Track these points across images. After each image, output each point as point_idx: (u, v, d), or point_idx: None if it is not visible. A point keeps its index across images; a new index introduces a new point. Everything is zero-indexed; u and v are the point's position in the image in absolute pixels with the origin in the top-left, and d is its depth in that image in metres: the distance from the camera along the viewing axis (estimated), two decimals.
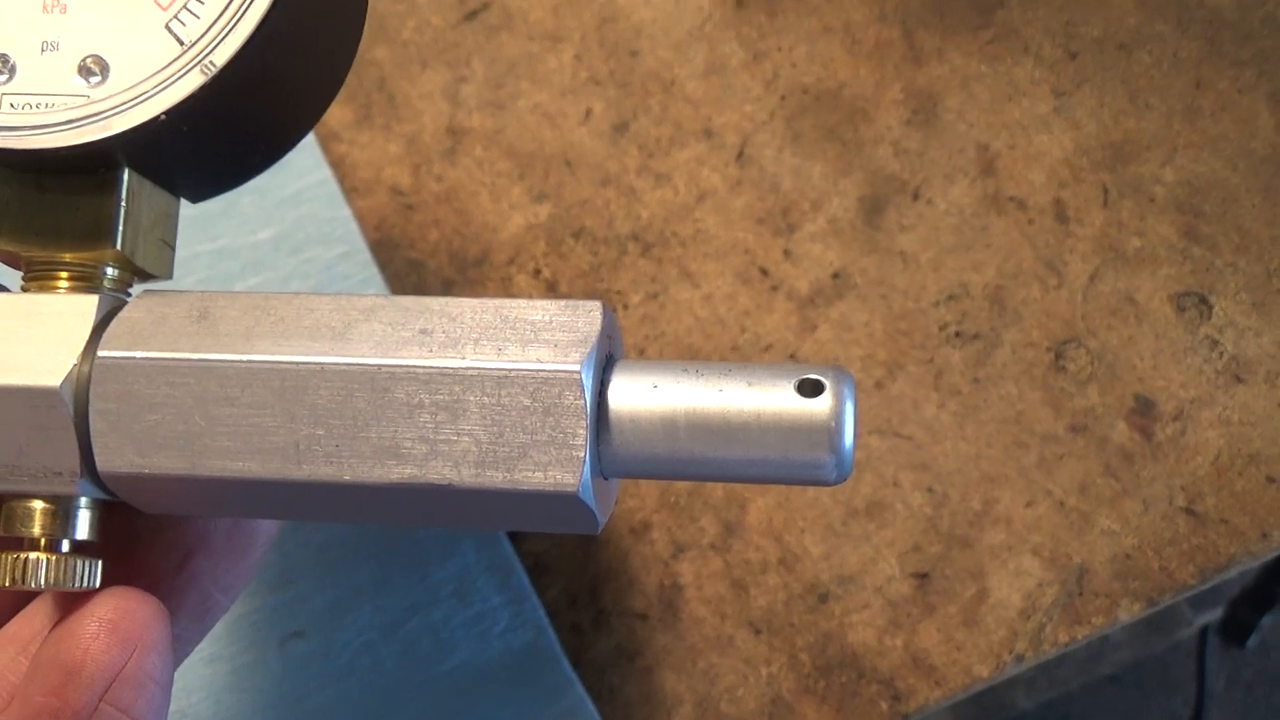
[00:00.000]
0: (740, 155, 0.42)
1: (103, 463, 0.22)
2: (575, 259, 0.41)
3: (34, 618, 0.26)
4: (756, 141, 0.42)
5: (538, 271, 0.41)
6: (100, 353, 0.22)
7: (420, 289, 0.40)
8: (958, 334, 0.40)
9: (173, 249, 0.26)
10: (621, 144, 0.42)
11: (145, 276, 0.25)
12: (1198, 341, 0.40)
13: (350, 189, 0.41)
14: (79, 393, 0.22)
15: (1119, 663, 1.02)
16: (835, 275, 0.41)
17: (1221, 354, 0.40)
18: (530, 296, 0.40)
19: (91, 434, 0.22)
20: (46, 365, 0.22)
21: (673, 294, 0.41)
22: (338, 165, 0.41)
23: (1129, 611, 0.38)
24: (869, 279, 0.41)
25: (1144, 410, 0.40)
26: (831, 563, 0.38)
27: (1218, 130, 0.43)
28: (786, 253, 0.41)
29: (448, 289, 0.40)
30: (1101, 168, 0.42)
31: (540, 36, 0.43)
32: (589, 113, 0.42)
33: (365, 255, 0.40)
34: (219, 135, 0.25)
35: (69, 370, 0.22)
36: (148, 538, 0.25)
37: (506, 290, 0.40)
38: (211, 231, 0.39)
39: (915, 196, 0.42)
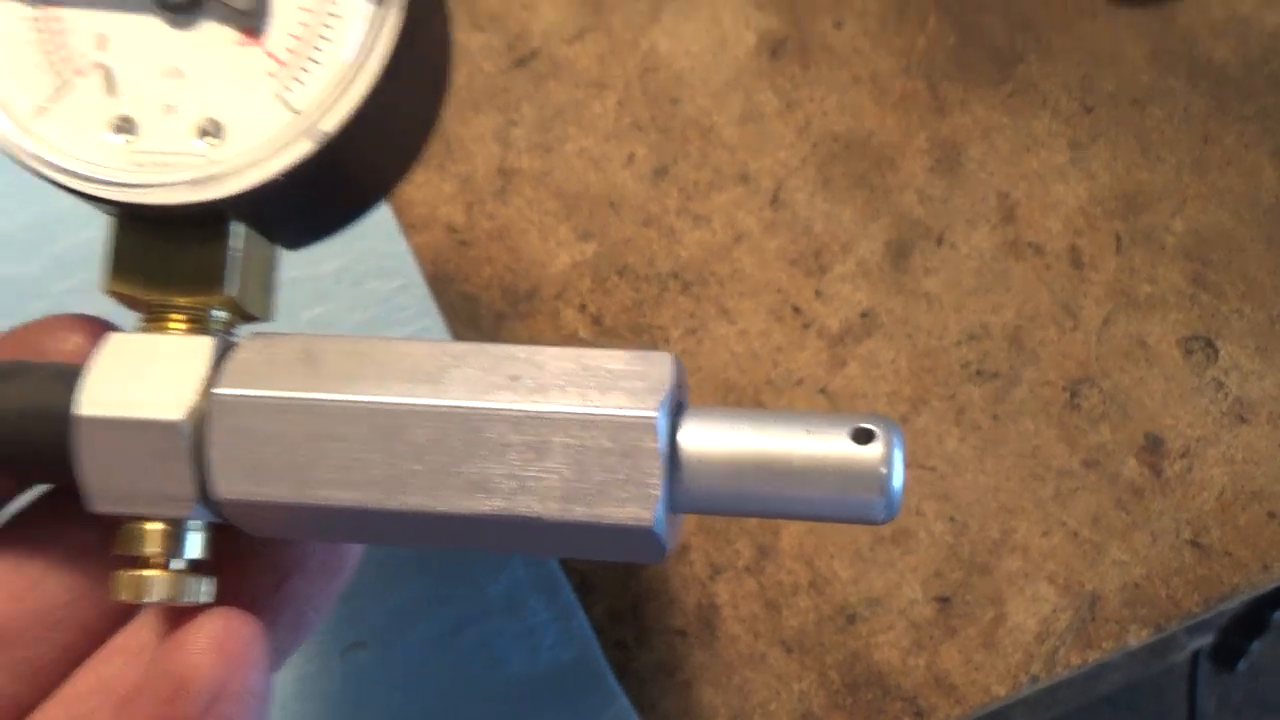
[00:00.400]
0: (774, 199, 0.44)
1: (219, 490, 0.24)
2: (619, 295, 0.42)
3: (140, 630, 0.27)
4: (790, 186, 0.44)
5: (583, 306, 0.42)
6: (217, 390, 0.24)
7: (473, 321, 0.42)
8: (978, 372, 0.42)
9: (272, 293, 0.28)
10: (662, 187, 0.44)
11: (249, 318, 0.27)
12: (1204, 383, 0.42)
13: (408, 225, 0.42)
14: (197, 426, 0.24)
15: (1115, 684, 1.03)
16: (864, 314, 0.43)
17: (1226, 395, 0.42)
18: (576, 330, 0.42)
19: (208, 464, 0.24)
20: (168, 400, 0.24)
21: (710, 330, 0.42)
22: (396, 202, 0.43)
23: (1138, 637, 0.39)
24: (895, 318, 0.42)
25: (1153, 448, 0.41)
26: (859, 586, 0.40)
27: (1224, 183, 0.44)
28: (818, 292, 0.43)
29: (499, 321, 0.42)
30: (1115, 216, 0.44)
31: (586, 84, 0.45)
32: (632, 157, 0.44)
33: (422, 288, 0.41)
34: (321, 193, 0.26)
35: (189, 405, 0.24)
36: (249, 558, 0.26)
37: (554, 323, 0.42)
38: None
39: (939, 241, 0.43)
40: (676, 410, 0.24)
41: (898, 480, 0.23)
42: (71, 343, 0.27)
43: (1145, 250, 0.44)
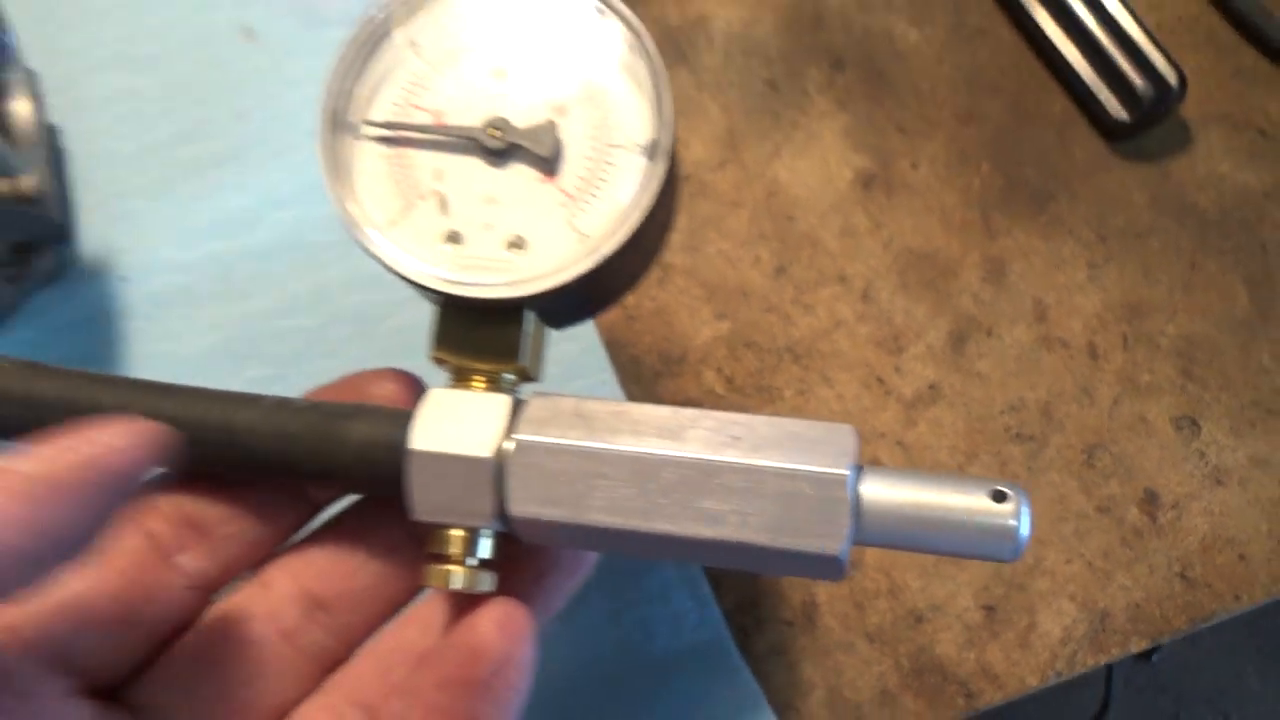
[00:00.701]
0: (865, 296, 0.44)
1: (513, 509, 0.24)
2: (746, 363, 0.43)
3: (430, 607, 0.27)
4: (876, 286, 0.45)
5: (720, 370, 0.43)
6: (516, 435, 0.24)
7: (637, 378, 0.43)
8: (1017, 435, 0.43)
9: (543, 360, 0.28)
10: (780, 282, 0.44)
11: (529, 380, 0.27)
12: (1190, 453, 0.42)
13: None
14: (498, 461, 0.24)
15: None
16: (931, 386, 0.43)
17: (1207, 463, 0.42)
18: (714, 387, 0.42)
19: (507, 490, 0.24)
20: (478, 441, 0.24)
21: (815, 392, 0.43)
22: None
23: (1137, 646, 0.40)
24: (955, 391, 0.43)
25: (1150, 500, 0.42)
26: (925, 594, 0.40)
27: (1206, 300, 0.45)
28: (896, 368, 0.43)
29: (656, 379, 0.43)
30: (1122, 321, 0.44)
31: (725, 203, 0.46)
32: (758, 258, 0.45)
33: (600, 351, 0.42)
34: (590, 294, 0.27)
35: (495, 446, 0.24)
36: (519, 559, 0.27)
37: (698, 381, 0.43)
38: None
39: (989, 334, 0.44)
40: (857, 469, 0.25)
41: (1025, 530, 0.23)
42: (387, 389, 0.28)
43: (1146, 348, 0.44)
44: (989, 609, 0.40)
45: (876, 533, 0.24)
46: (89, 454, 0.21)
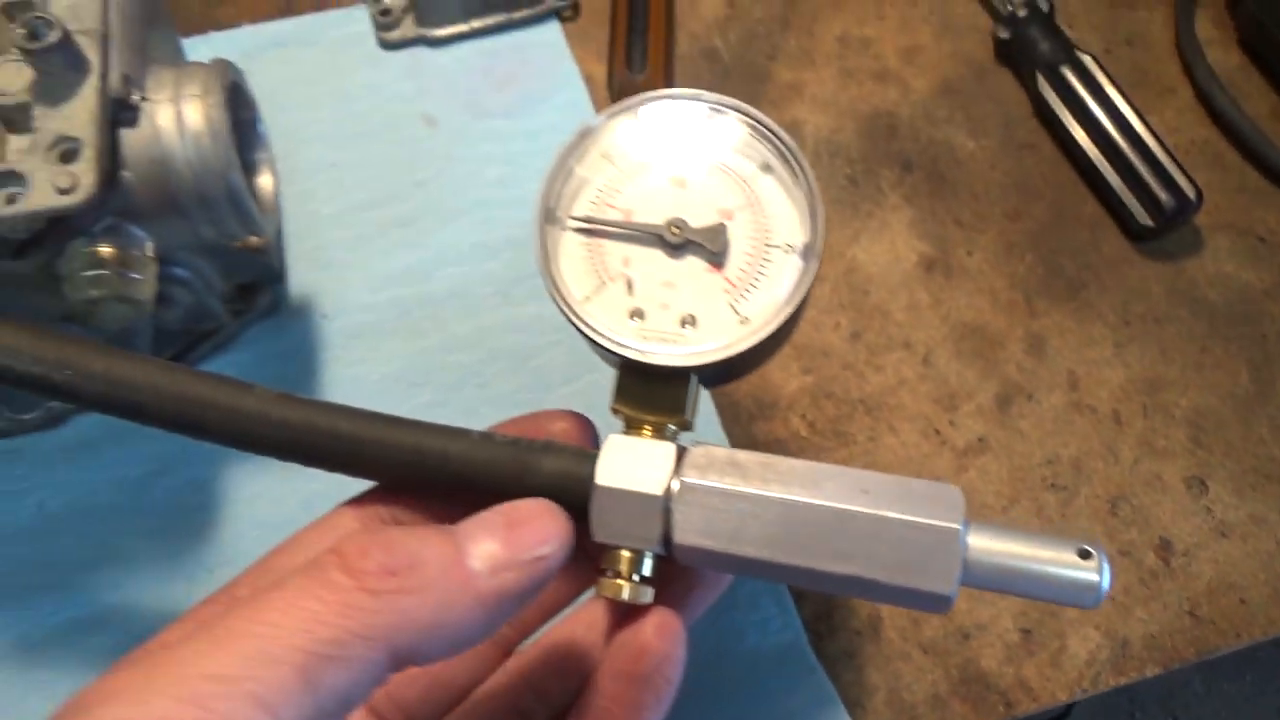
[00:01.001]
0: (925, 360, 0.45)
1: (677, 538, 0.25)
2: (826, 411, 0.44)
3: (593, 611, 0.28)
4: (936, 353, 0.45)
5: (804, 416, 0.44)
6: (682, 478, 0.25)
7: (736, 419, 0.43)
8: (1052, 485, 0.43)
9: (698, 413, 0.29)
10: (856, 346, 0.45)
11: (687, 429, 0.28)
12: (1199, 508, 0.43)
13: None
14: (666, 498, 0.25)
15: None
16: (980, 440, 0.44)
17: (1214, 518, 0.42)
18: (799, 430, 0.43)
19: (673, 522, 0.25)
20: (651, 480, 0.25)
21: (882, 440, 0.44)
22: None
23: (1152, 671, 0.39)
24: (1000, 444, 0.43)
25: (1165, 547, 0.42)
26: (972, 615, 0.40)
27: (1214, 379, 0.45)
28: (951, 423, 0.44)
29: (751, 421, 0.44)
30: (1142, 393, 0.45)
31: None
32: (838, 324, 0.46)
33: (707, 396, 0.43)
34: (744, 363, 0.28)
35: (664, 485, 0.25)
36: (672, 576, 0.27)
37: (786, 424, 0.43)
38: None
39: (1029, 398, 0.45)
40: (966, 524, 0.25)
41: (1105, 585, 0.24)
42: (560, 427, 0.29)
43: (1162, 417, 0.44)
44: (1026, 631, 0.40)
45: (979, 577, 0.24)
46: (530, 566, 0.22)
